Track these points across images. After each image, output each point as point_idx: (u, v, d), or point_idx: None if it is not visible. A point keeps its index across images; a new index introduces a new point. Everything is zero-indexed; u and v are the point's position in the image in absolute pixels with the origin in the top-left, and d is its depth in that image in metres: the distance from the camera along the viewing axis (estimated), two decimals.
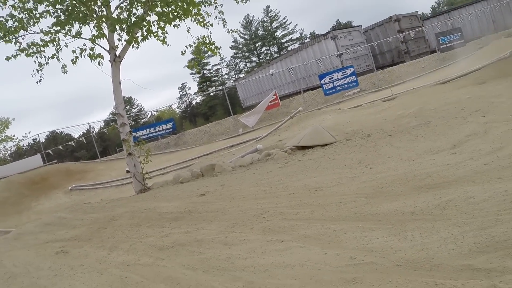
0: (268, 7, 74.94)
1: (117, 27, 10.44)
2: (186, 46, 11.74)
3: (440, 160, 5.59)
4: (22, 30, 10.75)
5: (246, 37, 75.52)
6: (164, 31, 11.11)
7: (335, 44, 32.39)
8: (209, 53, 12.71)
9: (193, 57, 69.03)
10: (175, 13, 10.97)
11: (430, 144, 6.75)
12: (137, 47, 10.63)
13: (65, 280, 4.37)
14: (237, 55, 76.82)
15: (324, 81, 26.68)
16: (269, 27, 76.41)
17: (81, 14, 10.50)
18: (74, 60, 10.32)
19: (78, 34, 10.65)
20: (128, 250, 4.72)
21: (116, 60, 10.85)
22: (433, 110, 9.80)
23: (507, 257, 2.61)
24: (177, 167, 18.58)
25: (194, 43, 11.82)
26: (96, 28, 10.30)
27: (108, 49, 10.80)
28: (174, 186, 9.16)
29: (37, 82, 11.28)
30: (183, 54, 11.87)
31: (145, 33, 10.79)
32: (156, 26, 10.98)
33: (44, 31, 10.80)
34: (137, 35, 10.63)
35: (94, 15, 10.76)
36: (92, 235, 6.18)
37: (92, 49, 10.23)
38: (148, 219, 5.99)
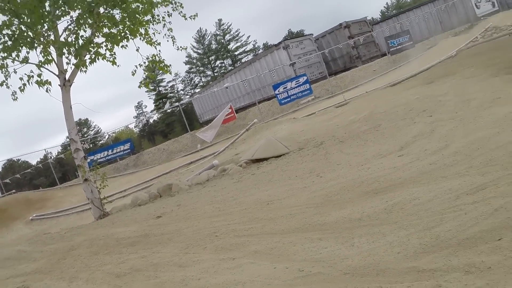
0: (220, 20, 75.26)
1: (64, 50, 10.32)
2: (136, 66, 11.71)
3: (388, 163, 5.75)
4: None
5: (199, 51, 75.59)
6: (112, 53, 11.06)
7: (287, 53, 32.64)
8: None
9: (145, 75, 68.36)
10: (122, 34, 10.95)
11: (378, 148, 6.92)
12: (85, 71, 10.54)
13: None
14: (192, 69, 76.77)
15: (278, 91, 26.94)
16: (222, 40, 76.65)
17: (28, 39, 10.37)
18: (22, 87, 10.15)
19: (26, 60, 10.50)
20: (87, 280, 4.68)
21: (66, 85, 10.68)
22: (383, 113, 10.01)
23: (451, 256, 2.73)
24: (137, 189, 18.42)
25: (144, 62, 11.79)
26: (43, 54, 10.19)
27: (57, 74, 10.62)
28: (132, 209, 9.11)
29: None
30: (133, 74, 11.82)
31: (93, 56, 10.72)
32: (104, 47, 10.94)
33: None
34: (85, 58, 10.54)
35: (42, 38, 10.63)
36: (52, 267, 6.10)
37: (39, 75, 10.08)
38: (106, 246, 5.96)
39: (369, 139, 7.81)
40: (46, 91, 10.30)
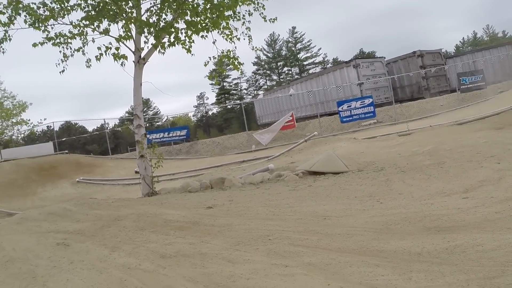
0: (294, 28, 75.43)
1: (145, 29, 10.51)
2: (209, 58, 11.82)
3: (452, 203, 5.53)
4: (52, 20, 10.90)
5: (269, 55, 75.93)
6: (191, 40, 11.18)
7: (356, 72, 32.43)
8: (231, 66, 12.79)
9: (214, 68, 69.52)
10: (203, 24, 11.05)
11: (442, 186, 6.69)
12: (163, 53, 10.67)
13: (63, 273, 4.34)
14: (259, 71, 77.29)
15: (342, 109, 26.74)
16: (293, 48, 76.82)
17: (111, 12, 10.59)
18: (98, 57, 10.38)
19: (106, 32, 10.72)
20: (130, 252, 4.69)
21: (140, 62, 10.92)
22: (448, 151, 9.75)
23: None
24: (186, 175, 18.60)
25: (218, 55, 11.88)
26: (124, 29, 10.38)
27: (133, 50, 10.87)
28: (182, 194, 9.15)
29: (60, 72, 11.37)
30: (205, 65, 11.95)
31: (172, 40, 10.85)
32: (184, 34, 11.06)
33: (73, 24, 10.92)
34: (163, 41, 10.68)
35: (124, 15, 10.85)
36: (95, 232, 6.15)
37: (117, 48, 10.27)
38: (153, 224, 5.98)
39: (432, 175, 7.57)
40: (121, 65, 10.50)
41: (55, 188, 24.75)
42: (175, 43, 10.92)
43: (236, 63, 12.21)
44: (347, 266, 3.49)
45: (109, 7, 10.66)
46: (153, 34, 10.43)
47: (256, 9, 11.74)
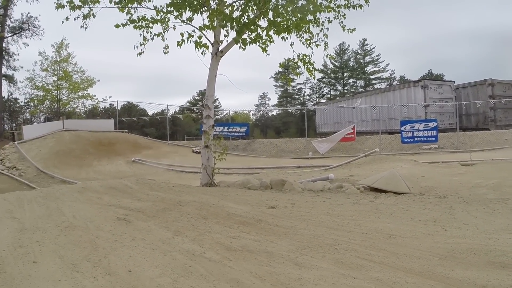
0: (364, 40, 74.44)
1: (228, 24, 10.66)
2: (285, 59, 11.87)
3: None
4: (136, 3, 11.22)
5: (336, 64, 75.30)
6: (271, 40, 11.27)
7: (424, 93, 31.69)
8: (297, 70, 12.74)
9: (282, 70, 69.33)
10: (285, 26, 11.11)
11: (507, 222, 6.52)
12: (244, 49, 10.80)
13: (125, 249, 4.49)
14: (323, 79, 76.76)
15: (405, 129, 26.36)
16: (361, 60, 75.95)
17: (195, 2, 10.79)
18: (180, 42, 10.60)
19: (190, 20, 10.94)
20: (194, 239, 4.79)
21: (217, 54, 11.18)
22: None
23: None
24: (240, 171, 18.77)
25: (294, 58, 11.91)
26: (208, 19, 10.57)
27: (212, 42, 11.05)
28: (242, 190, 9.26)
29: (137, 54, 11.78)
30: (281, 66, 12.02)
31: (252, 37, 10.97)
32: (265, 33, 11.15)
33: (157, 9, 11.20)
34: (244, 37, 10.80)
35: (207, 6, 11.06)
36: (156, 213, 6.33)
37: (199, 37, 10.49)
38: (216, 215, 6.08)
39: (497, 210, 7.38)
40: (202, 53, 10.69)
41: (110, 163, 25.43)
42: (256, 40, 11.04)
43: (311, 69, 12.24)
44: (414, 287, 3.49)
45: None
46: (236, 29, 10.55)
47: (336, 17, 11.68)
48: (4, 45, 46.60)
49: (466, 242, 5.15)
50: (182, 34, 10.59)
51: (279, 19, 11.02)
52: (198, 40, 10.44)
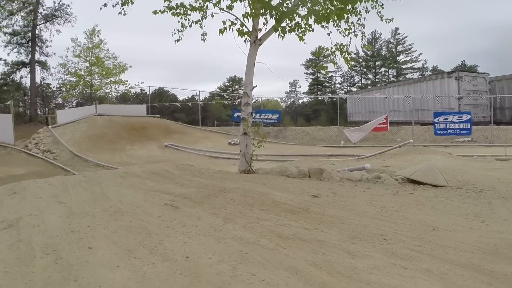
0: (397, 29, 73.30)
1: (267, 12, 10.71)
2: (321, 48, 11.90)
3: None
4: None
5: (368, 52, 74.62)
6: (310, 29, 11.31)
7: (457, 85, 31.38)
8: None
9: (313, 58, 69.26)
10: (325, 14, 11.12)
11: None
12: (283, 37, 10.85)
13: (178, 235, 4.59)
14: (355, 67, 76.17)
15: (438, 120, 26.17)
16: (393, 50, 75.04)
17: None
18: (222, 30, 10.73)
19: (230, 8, 11.03)
20: (245, 226, 4.91)
21: (256, 42, 11.20)
22: None
23: None
24: (273, 158, 18.90)
25: (331, 47, 11.92)
26: (251, 6, 10.66)
27: (250, 30, 11.11)
28: (281, 178, 9.39)
29: (175, 41, 11.90)
30: (317, 54, 12.04)
31: (292, 25, 11.02)
32: (304, 21, 11.19)
33: None
34: (283, 25, 10.85)
35: None
36: (202, 199, 6.45)
37: (242, 25, 10.60)
38: (261, 202, 6.22)
39: None
40: (245, 41, 10.81)
41: (143, 148, 25.82)
42: (295, 29, 11.10)
43: (348, 58, 12.26)
44: (463, 279, 3.58)
45: None
46: (275, 17, 10.58)
47: (374, 7, 11.62)
48: (37, 32, 47.68)
49: (508, 238, 5.20)
50: (224, 22, 10.72)
51: (318, 7, 11.05)
52: (241, 28, 10.56)
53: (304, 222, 5.09)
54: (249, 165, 10.56)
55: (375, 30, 74.20)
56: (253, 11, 10.51)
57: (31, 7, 41.31)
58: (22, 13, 42.78)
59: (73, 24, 49.33)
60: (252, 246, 4.23)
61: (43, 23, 48.73)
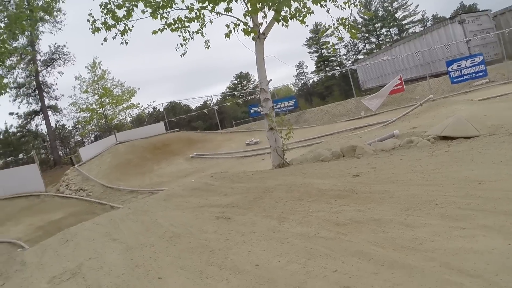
0: None
1: (264, 5, 10.79)
2: (324, 27, 11.95)
3: None
4: (167, 8, 11.56)
5: (365, 17, 74.01)
6: (310, 11, 11.39)
7: (462, 29, 30.98)
8: (327, 32, 12.59)
9: (312, 35, 68.84)
10: None
11: None
12: (286, 26, 10.93)
13: (241, 246, 4.70)
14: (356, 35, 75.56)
15: (452, 69, 26.00)
16: (389, 8, 74.25)
17: None
18: (228, 33, 10.88)
19: (228, 10, 11.18)
20: (301, 222, 5.04)
21: (260, 37, 11.31)
22: None
23: None
24: (299, 144, 19.02)
25: (333, 24, 11.94)
26: (249, 4, 10.78)
27: (251, 26, 11.17)
28: (317, 164, 9.53)
29: (181, 55, 12.18)
30: (322, 33, 12.07)
31: (293, 12, 11.10)
32: (302, 4, 11.27)
33: (189, 7, 11.49)
34: (283, 14, 10.91)
35: None
36: (250, 204, 6.60)
37: (245, 24, 10.73)
38: (308, 194, 6.37)
39: None
40: (253, 39, 10.94)
41: (170, 164, 26.10)
42: (296, 15, 11.18)
43: (353, 31, 12.30)
44: None
45: None
46: (273, 8, 10.62)
47: None
48: (40, 79, 48.78)
49: None
50: (227, 26, 10.88)
51: None
52: (245, 27, 10.69)
53: (355, 204, 5.24)
54: (282, 158, 10.72)
55: None
56: (252, 8, 10.62)
57: (29, 57, 42.04)
58: (22, 65, 43.55)
59: (73, 62, 50.85)
60: (314, 240, 4.37)
61: (44, 68, 49.71)
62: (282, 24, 10.73)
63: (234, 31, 10.90)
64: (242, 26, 10.78)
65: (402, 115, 17.22)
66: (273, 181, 8.09)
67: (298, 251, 4.17)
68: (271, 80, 11.47)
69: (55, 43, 50.08)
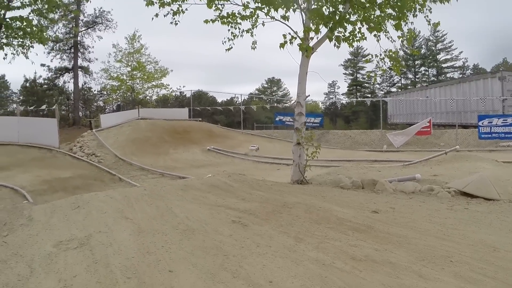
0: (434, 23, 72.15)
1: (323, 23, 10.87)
2: (371, 55, 12.02)
3: None
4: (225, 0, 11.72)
5: (407, 51, 73.86)
6: (364, 37, 11.48)
7: (501, 86, 30.62)
8: (372, 61, 12.50)
9: (351, 58, 68.66)
10: (381, 22, 11.23)
11: None
12: (338, 46, 11.02)
13: (255, 257, 4.75)
14: (392, 65, 75.24)
15: (482, 124, 25.93)
16: (433, 48, 73.89)
17: None
18: (283, 44, 10.99)
19: (285, 18, 11.29)
20: (317, 247, 5.12)
21: (302, 51, 11.31)
22: None
23: None
24: (318, 163, 19.05)
25: (380, 54, 12.02)
26: (312, 22, 10.89)
27: (301, 38, 11.23)
28: (336, 189, 9.67)
29: (226, 50, 12.30)
30: (368, 61, 12.15)
31: (347, 34, 11.19)
32: (357, 29, 11.34)
33: (244, 5, 11.66)
34: (338, 34, 10.97)
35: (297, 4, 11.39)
36: (267, 216, 6.69)
37: (302, 39, 10.85)
38: (326, 219, 6.49)
39: None
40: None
41: (186, 151, 26.31)
42: (350, 38, 11.28)
43: (397, 66, 12.36)
44: None
45: None
46: (329, 26, 10.68)
47: (422, 11, 11.63)
48: (78, 38, 49.41)
49: None
50: (284, 36, 11.00)
51: (371, 13, 11.19)
52: (301, 43, 10.80)
53: (372, 242, 5.35)
54: (302, 175, 10.86)
55: (414, 27, 73.24)
56: (316, 26, 10.72)
57: (73, 15, 42.70)
58: (64, 21, 44.22)
59: (114, 30, 51.10)
60: (329, 269, 4.45)
61: (85, 30, 50.33)
62: (334, 44, 10.84)
63: (290, 43, 11.01)
64: (298, 39, 10.90)
65: (424, 159, 17.23)
66: (293, 198, 8.23)
67: (312, 276, 4.25)
68: (309, 95, 11.59)
69: (101, 8, 50.77)
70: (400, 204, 7.95)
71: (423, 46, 74.72)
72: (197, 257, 4.76)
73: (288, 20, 11.32)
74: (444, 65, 74.25)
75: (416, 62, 74.60)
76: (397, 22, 11.04)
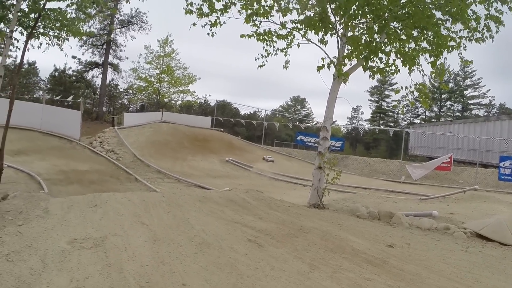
0: (466, 61, 71.74)
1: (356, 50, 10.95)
2: (401, 87, 12.01)
3: None
4: (263, 17, 11.86)
5: (435, 84, 73.63)
6: (397, 70, 11.52)
7: None
8: (401, 92, 12.43)
9: (378, 85, 68.59)
10: (416, 56, 11.27)
11: None
12: (373, 78, 11.10)
13: (270, 280, 4.75)
14: (420, 99, 74.94)
15: (503, 165, 25.76)
16: (461, 83, 73.43)
17: (318, 23, 11.21)
18: (321, 67, 11.11)
19: (323, 42, 11.38)
20: (331, 277, 5.12)
21: (339, 77, 11.40)
22: None
23: None
24: (334, 187, 19.08)
25: (410, 87, 12.01)
26: (352, 50, 11.00)
27: (335, 63, 11.32)
28: (352, 218, 9.72)
29: (258, 66, 12.39)
30: (396, 92, 12.20)
31: (381, 66, 11.26)
32: (392, 61, 11.42)
33: (282, 24, 11.79)
34: (372, 64, 11.09)
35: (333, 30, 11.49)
36: (283, 238, 6.71)
37: (340, 65, 10.94)
38: (342, 249, 6.52)
39: None
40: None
41: (204, 160, 26.46)
42: (384, 70, 11.33)
43: (426, 100, 12.36)
44: None
45: (316, 18, 11.22)
46: (364, 56, 10.81)
47: (457, 48, 11.63)
48: (112, 36, 50.27)
49: None
50: (323, 59, 11.11)
51: (407, 47, 11.24)
52: (339, 68, 10.88)
53: (386, 277, 5.37)
54: (320, 199, 10.90)
55: (444, 60, 72.84)
56: (358, 53, 10.80)
57: (109, 12, 43.41)
58: (100, 17, 44.94)
59: (148, 31, 52.07)
60: None
61: (119, 28, 51.16)
62: (370, 75, 10.92)
63: (328, 67, 11.10)
64: (336, 67, 10.98)
65: (442, 195, 17.19)
66: (309, 222, 8.28)
67: None
68: (335, 121, 11.64)
69: (137, 8, 51.61)
70: (415, 240, 7.97)
71: (451, 80, 74.32)
72: (211, 273, 4.77)
73: (325, 45, 11.40)
74: (470, 101, 73.73)
75: (443, 96, 74.18)
76: (433, 60, 11.07)
